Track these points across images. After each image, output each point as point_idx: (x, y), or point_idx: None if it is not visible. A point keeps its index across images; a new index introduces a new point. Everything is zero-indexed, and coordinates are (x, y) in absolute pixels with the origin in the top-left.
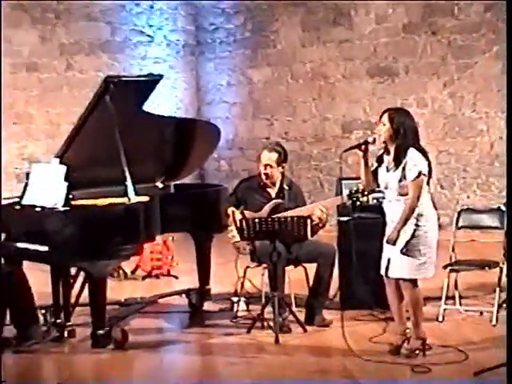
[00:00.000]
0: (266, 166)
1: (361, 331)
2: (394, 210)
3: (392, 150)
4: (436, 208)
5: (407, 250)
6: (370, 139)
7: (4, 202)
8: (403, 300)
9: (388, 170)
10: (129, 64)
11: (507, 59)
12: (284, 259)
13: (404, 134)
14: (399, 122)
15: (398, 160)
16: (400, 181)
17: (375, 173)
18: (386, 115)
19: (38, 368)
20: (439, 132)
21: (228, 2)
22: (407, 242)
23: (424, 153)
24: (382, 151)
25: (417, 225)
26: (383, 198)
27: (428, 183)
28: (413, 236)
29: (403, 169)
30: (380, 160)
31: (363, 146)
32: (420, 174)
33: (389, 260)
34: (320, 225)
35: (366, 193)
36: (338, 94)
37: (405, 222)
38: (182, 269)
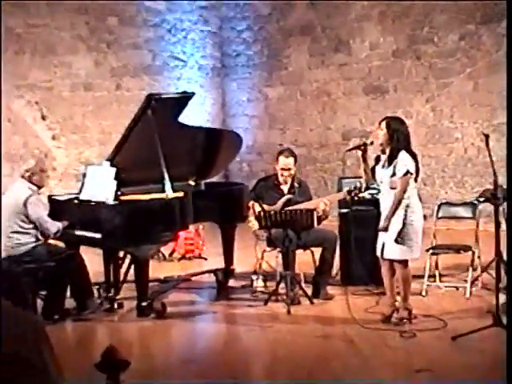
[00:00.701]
0: (285, 169)
1: (358, 303)
2: (386, 200)
3: (387, 150)
4: (422, 201)
5: (399, 237)
6: (369, 141)
7: (65, 198)
8: (394, 276)
9: (383, 167)
10: (166, 84)
11: (507, 61)
12: (294, 244)
13: (397, 139)
14: (394, 129)
15: (391, 159)
16: (391, 176)
17: (373, 170)
18: (384, 122)
19: (93, 333)
20: (422, 139)
21: (248, 32)
22: (398, 230)
23: (414, 155)
24: (380, 152)
25: (406, 215)
26: (378, 192)
27: (416, 180)
28: (403, 224)
29: (394, 167)
30: (378, 159)
31: (362, 147)
32: (407, 172)
33: (383, 244)
34: (323, 216)
35: (362, 189)
36: (339, 108)
37: (394, 211)
38: (210, 252)
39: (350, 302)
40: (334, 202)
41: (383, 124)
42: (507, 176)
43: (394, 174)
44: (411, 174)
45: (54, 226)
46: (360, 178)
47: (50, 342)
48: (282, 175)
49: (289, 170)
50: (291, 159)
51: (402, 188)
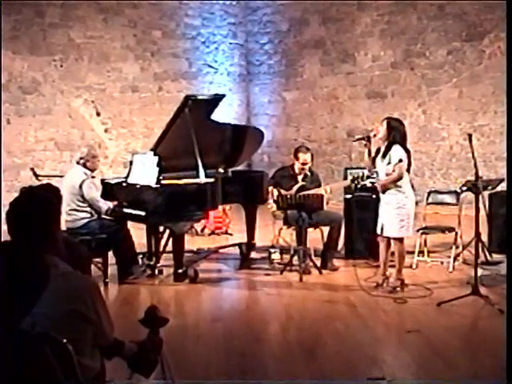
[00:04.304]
0: (305, 163)
1: (359, 274)
2: None
3: (385, 144)
4: (414, 189)
5: (395, 217)
6: (372, 134)
7: (115, 181)
8: (390, 252)
9: (382, 158)
10: (201, 87)
11: (507, 60)
12: (306, 223)
13: (394, 135)
14: (392, 127)
15: (386, 151)
16: (387, 165)
17: (374, 160)
18: (385, 121)
19: (138, 294)
20: (414, 137)
21: (270, 45)
22: (395, 212)
23: (407, 151)
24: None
25: (401, 200)
26: (378, 179)
27: (408, 171)
28: (398, 207)
29: (389, 157)
30: (378, 151)
31: (367, 138)
32: (400, 160)
33: (382, 224)
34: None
35: (364, 179)
36: (345, 110)
37: (389, 182)
38: (235, 229)
39: (352, 273)
40: (339, 188)
41: (384, 122)
42: (507, 175)
43: (388, 163)
44: (402, 161)
45: (105, 205)
46: (362, 168)
47: (104, 300)
48: (301, 168)
49: (307, 164)
50: (308, 155)
51: (399, 171)
